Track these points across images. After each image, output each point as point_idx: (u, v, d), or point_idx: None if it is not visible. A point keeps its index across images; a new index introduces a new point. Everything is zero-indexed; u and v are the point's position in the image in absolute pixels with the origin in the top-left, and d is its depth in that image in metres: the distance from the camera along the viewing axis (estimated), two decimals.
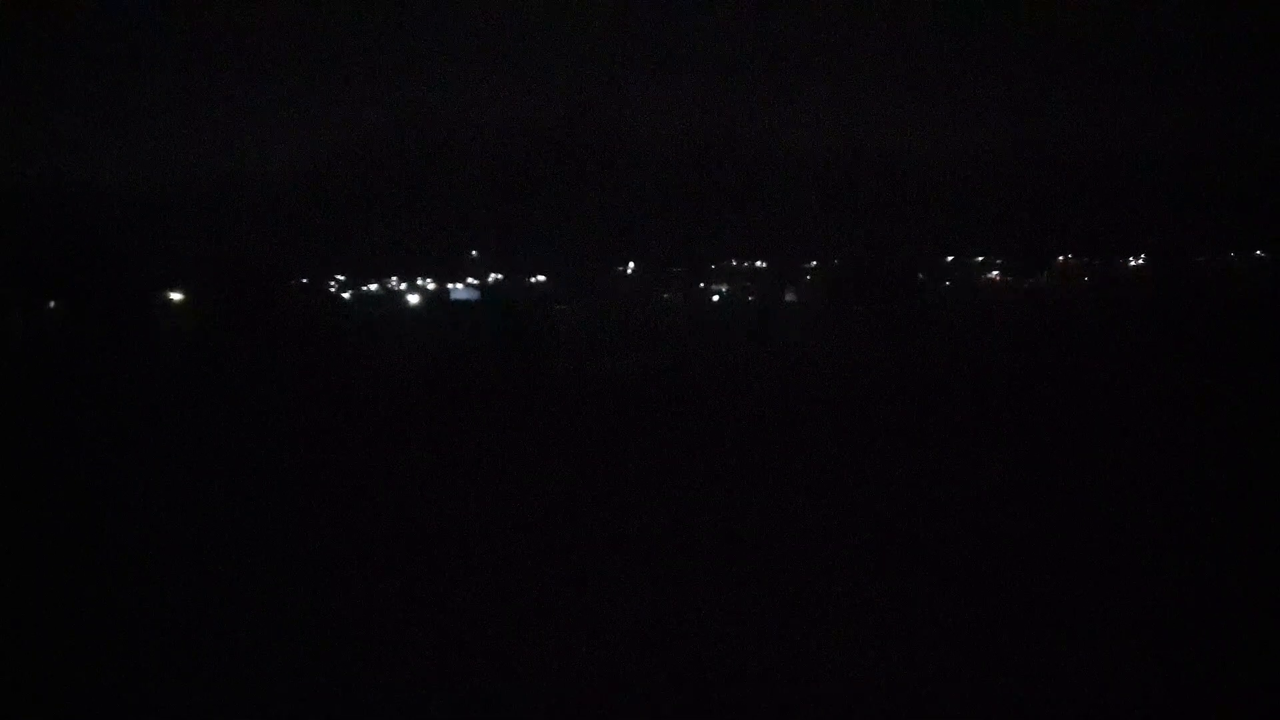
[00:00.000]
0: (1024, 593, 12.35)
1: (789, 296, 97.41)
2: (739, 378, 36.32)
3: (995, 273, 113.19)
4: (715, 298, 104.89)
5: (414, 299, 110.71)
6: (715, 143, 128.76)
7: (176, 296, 76.60)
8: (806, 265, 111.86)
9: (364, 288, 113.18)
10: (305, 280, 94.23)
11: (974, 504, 16.56)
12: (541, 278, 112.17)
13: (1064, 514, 15.85)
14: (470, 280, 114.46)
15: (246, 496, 18.47)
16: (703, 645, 11.03)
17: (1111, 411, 25.39)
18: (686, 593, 12.67)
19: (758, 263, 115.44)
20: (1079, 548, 14.05)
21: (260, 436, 25.44)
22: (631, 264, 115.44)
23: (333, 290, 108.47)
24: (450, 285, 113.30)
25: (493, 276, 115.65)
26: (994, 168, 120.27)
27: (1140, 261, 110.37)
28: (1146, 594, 12.11)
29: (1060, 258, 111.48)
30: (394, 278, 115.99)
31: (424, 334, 61.21)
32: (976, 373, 34.70)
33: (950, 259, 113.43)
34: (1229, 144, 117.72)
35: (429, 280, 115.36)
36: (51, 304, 71.05)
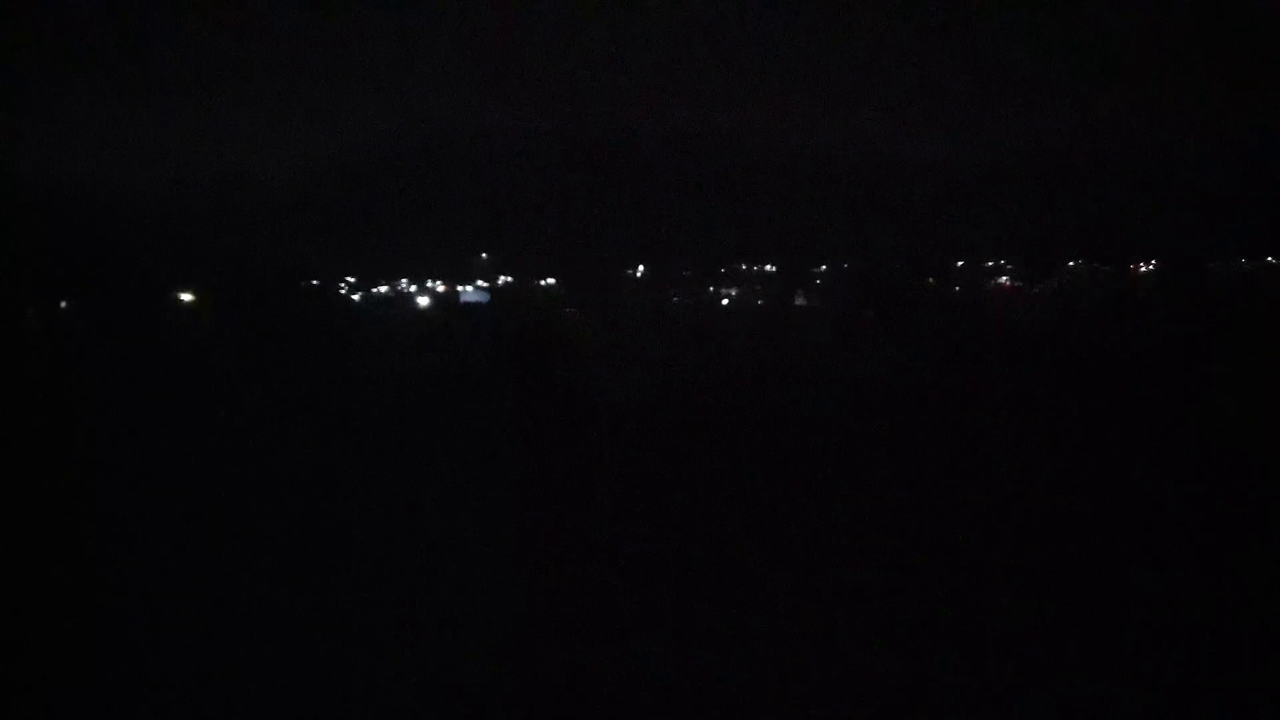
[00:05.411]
0: (1026, 595, 12.36)
1: (798, 300, 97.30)
2: (749, 381, 36.34)
3: (1005, 278, 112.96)
4: (725, 300, 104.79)
5: (424, 301, 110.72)
6: (726, 146, 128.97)
7: (187, 297, 76.85)
8: (816, 269, 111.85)
9: (374, 289, 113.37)
10: (315, 281, 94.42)
11: (978, 508, 16.57)
12: (551, 280, 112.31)
13: (1070, 518, 15.85)
14: (480, 282, 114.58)
15: (254, 494, 18.57)
16: (704, 650, 11.06)
17: (1121, 416, 25.36)
18: (687, 596, 12.71)
19: (767, 266, 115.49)
20: (1083, 550, 14.06)
21: (269, 435, 25.56)
22: (641, 267, 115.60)
23: (343, 291, 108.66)
24: (460, 287, 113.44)
25: (502, 279, 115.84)
26: (1006, 172, 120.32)
27: (1151, 267, 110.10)
28: (1148, 598, 12.11)
29: (1071, 262, 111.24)
30: (404, 280, 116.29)
31: (433, 335, 61.17)
32: (985, 376, 34.68)
33: (960, 263, 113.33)
34: (1241, 150, 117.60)
35: (438, 282, 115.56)
36: (63, 303, 71.35)
